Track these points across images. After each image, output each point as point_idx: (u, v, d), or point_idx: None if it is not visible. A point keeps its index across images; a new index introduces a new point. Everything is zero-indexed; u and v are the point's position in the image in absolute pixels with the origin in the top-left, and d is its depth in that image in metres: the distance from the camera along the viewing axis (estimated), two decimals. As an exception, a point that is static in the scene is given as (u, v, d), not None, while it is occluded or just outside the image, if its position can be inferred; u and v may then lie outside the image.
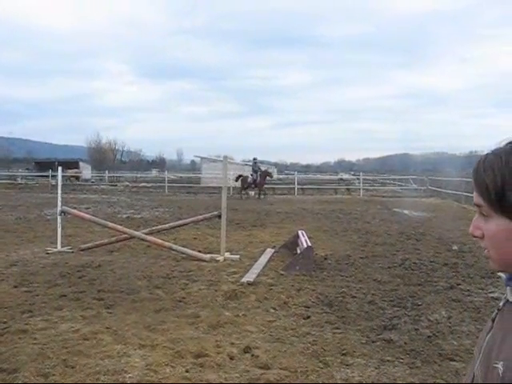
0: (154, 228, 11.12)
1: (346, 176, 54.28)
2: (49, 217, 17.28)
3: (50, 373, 4.22)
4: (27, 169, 67.52)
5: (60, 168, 11.32)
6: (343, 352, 4.83)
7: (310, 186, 38.73)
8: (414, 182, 38.79)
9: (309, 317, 5.98)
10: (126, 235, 10.56)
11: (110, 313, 6.04)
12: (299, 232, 10.34)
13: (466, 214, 19.36)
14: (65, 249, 10.38)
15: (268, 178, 30.57)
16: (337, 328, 5.59)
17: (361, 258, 9.80)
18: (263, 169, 30.91)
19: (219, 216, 9.90)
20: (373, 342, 5.15)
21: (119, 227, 10.85)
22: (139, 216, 17.88)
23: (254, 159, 31.22)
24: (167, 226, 11.26)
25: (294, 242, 10.37)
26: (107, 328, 5.43)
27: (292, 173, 53.71)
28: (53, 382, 4.08)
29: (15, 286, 7.36)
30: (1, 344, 4.91)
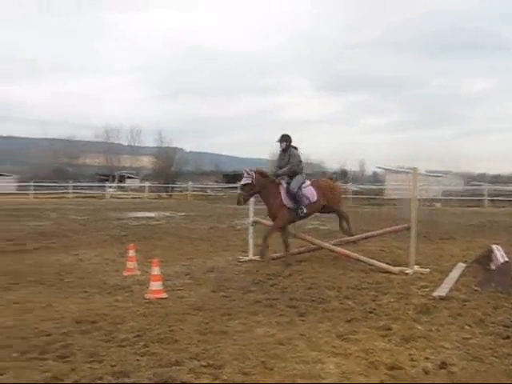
0: (341, 239, 11.17)
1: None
2: (238, 227, 18.27)
3: (250, 372, 4.49)
4: (216, 181, 71.78)
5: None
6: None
7: (500, 198, 35.97)
8: None
9: (508, 337, 5.58)
10: (314, 246, 10.75)
11: (303, 320, 6.22)
12: (493, 246, 9.72)
13: None
14: (256, 257, 10.80)
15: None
16: (544, 351, 5.16)
17: None
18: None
19: (408, 228, 9.68)
20: None
21: (308, 237, 11.08)
22: (324, 227, 18.07)
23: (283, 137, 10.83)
24: (353, 238, 11.22)
25: (487, 256, 9.74)
26: (301, 335, 5.59)
27: (480, 184, 50.60)
28: (254, 381, 4.32)
29: (213, 291, 7.90)
30: (205, 342, 5.32)
